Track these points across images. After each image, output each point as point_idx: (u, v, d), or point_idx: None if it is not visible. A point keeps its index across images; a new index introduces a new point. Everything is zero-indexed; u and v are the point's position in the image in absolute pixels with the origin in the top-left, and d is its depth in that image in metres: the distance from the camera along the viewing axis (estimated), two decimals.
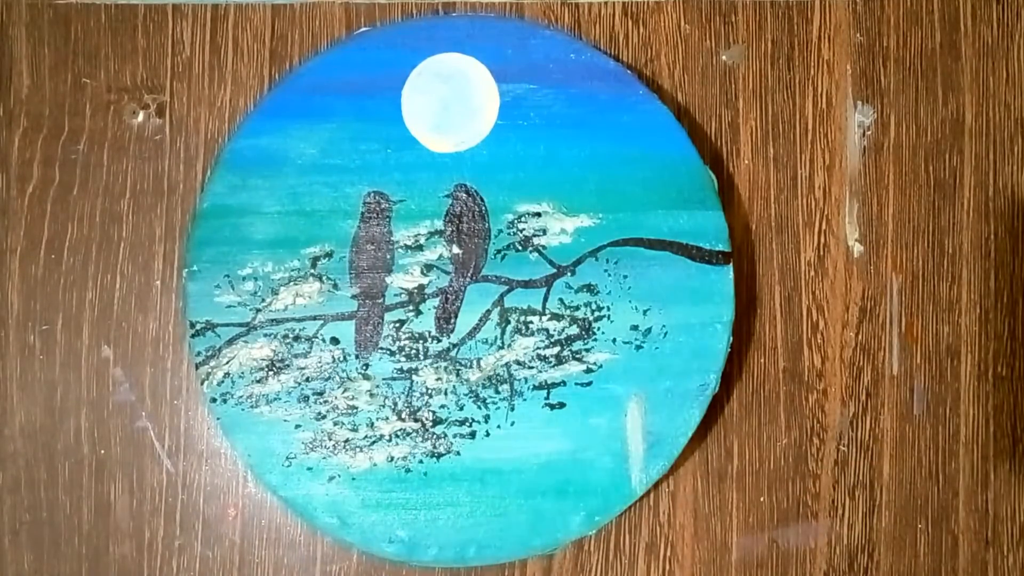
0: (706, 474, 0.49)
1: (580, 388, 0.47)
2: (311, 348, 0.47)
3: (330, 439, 0.46)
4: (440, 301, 0.47)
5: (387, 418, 0.47)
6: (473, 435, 0.47)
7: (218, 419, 0.46)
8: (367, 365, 0.47)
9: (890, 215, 0.50)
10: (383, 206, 0.47)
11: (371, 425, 0.47)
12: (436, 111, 0.48)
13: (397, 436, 0.47)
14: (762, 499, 0.49)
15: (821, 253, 0.49)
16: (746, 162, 0.50)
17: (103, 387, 0.48)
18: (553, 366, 0.47)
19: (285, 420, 0.46)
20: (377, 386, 0.47)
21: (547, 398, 0.47)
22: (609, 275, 0.47)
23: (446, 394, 0.47)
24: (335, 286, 0.47)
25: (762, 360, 0.49)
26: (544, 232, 0.47)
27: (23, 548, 0.48)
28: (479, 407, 0.47)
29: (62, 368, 0.48)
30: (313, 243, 0.47)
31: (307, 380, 0.47)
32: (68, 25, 0.49)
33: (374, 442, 0.47)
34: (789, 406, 0.49)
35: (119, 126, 0.49)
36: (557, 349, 0.47)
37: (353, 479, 0.46)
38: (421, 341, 0.47)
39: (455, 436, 0.47)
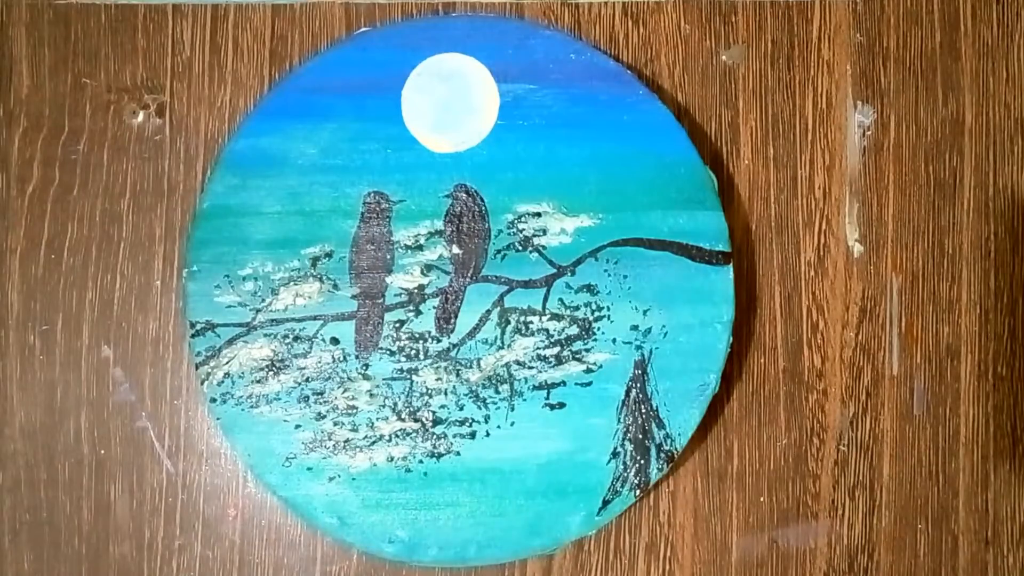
0: (706, 474, 0.49)
1: (580, 388, 0.47)
2: (311, 348, 0.47)
3: (330, 439, 0.46)
4: (440, 301, 0.47)
5: (387, 418, 0.47)
6: (473, 435, 0.47)
7: (218, 419, 0.46)
8: (367, 365, 0.47)
9: (890, 215, 0.50)
10: (383, 206, 0.47)
11: (371, 425, 0.47)
12: (436, 111, 0.48)
13: (397, 436, 0.47)
14: (762, 499, 0.49)
15: (821, 253, 0.49)
16: (746, 162, 0.50)
17: (103, 387, 0.48)
18: (553, 366, 0.47)
19: (285, 420, 0.46)
20: (377, 386, 0.47)
21: (547, 398, 0.47)
22: (609, 275, 0.47)
23: (446, 394, 0.47)
24: (335, 286, 0.47)
25: (762, 360, 0.49)
26: (544, 232, 0.47)
27: (23, 548, 0.48)
28: (479, 407, 0.47)
29: (62, 368, 0.48)
30: (313, 243, 0.47)
31: (307, 380, 0.47)
32: (68, 25, 0.49)
33: (374, 442, 0.47)
34: (789, 406, 0.49)
35: (119, 126, 0.49)
36: (557, 349, 0.47)
37: (353, 479, 0.46)
38: (421, 341, 0.47)
39: (455, 436, 0.47)
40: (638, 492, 0.46)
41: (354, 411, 0.47)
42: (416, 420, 0.47)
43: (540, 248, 0.47)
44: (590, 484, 0.46)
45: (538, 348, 0.47)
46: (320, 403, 0.47)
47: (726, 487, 0.49)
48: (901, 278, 0.50)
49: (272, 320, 0.47)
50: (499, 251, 0.47)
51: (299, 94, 0.47)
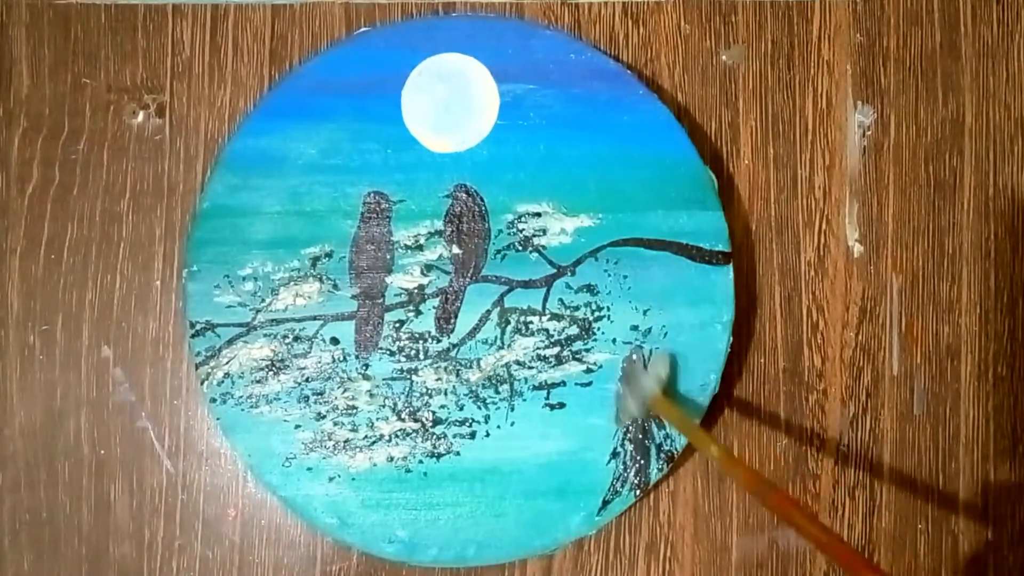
0: (706, 474, 0.49)
1: (580, 388, 0.47)
2: (311, 348, 0.47)
3: (330, 439, 0.46)
4: (440, 301, 0.47)
5: (387, 418, 0.47)
6: (473, 435, 0.47)
7: (218, 419, 0.46)
8: (367, 365, 0.47)
9: (890, 215, 0.50)
10: (383, 206, 0.47)
11: (371, 425, 0.47)
12: (436, 111, 0.48)
13: (397, 436, 0.47)
14: None
15: (821, 253, 0.49)
16: (746, 162, 0.50)
17: (103, 387, 0.48)
18: (553, 366, 0.47)
19: (285, 420, 0.46)
20: (377, 386, 0.47)
21: (547, 398, 0.47)
22: (609, 275, 0.47)
23: (446, 394, 0.47)
24: (335, 286, 0.47)
25: (762, 360, 0.49)
26: (544, 232, 0.47)
27: (23, 548, 0.48)
28: (479, 407, 0.47)
29: (62, 368, 0.48)
30: (313, 243, 0.47)
31: (307, 380, 0.47)
32: (68, 25, 0.49)
33: (374, 442, 0.47)
34: (789, 406, 0.49)
35: (119, 126, 0.49)
36: (557, 349, 0.47)
37: (353, 479, 0.46)
38: (421, 341, 0.47)
39: (455, 436, 0.47)
40: (638, 492, 0.46)
41: (354, 411, 0.47)
42: (416, 420, 0.47)
43: (540, 248, 0.47)
44: (590, 484, 0.46)
45: (538, 348, 0.47)
46: (320, 403, 0.47)
47: (726, 487, 0.49)
48: (901, 278, 0.50)
49: (272, 320, 0.47)
50: (499, 251, 0.47)
51: (299, 94, 0.47)
